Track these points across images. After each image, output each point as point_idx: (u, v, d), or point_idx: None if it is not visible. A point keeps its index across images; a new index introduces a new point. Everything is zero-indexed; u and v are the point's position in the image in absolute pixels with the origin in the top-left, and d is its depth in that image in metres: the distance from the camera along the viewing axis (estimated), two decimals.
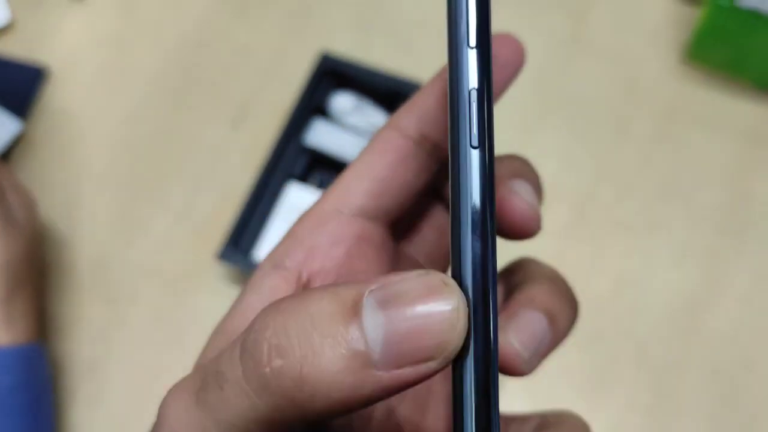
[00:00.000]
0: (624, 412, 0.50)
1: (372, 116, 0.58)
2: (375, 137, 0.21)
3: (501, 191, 0.20)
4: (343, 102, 0.58)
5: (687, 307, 0.52)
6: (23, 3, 0.68)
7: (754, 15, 0.53)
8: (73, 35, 0.67)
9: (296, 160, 0.57)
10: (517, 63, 0.21)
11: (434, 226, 0.24)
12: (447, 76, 0.17)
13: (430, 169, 0.21)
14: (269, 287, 0.20)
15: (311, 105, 0.58)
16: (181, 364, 0.53)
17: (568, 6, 0.64)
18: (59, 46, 0.66)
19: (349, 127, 0.57)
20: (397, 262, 0.22)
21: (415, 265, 0.23)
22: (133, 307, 0.55)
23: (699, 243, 0.54)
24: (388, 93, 0.57)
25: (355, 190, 0.20)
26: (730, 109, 0.58)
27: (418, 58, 0.61)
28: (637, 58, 0.61)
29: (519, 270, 0.23)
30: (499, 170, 0.21)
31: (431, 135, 0.21)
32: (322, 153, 0.56)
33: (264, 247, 0.54)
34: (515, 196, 0.20)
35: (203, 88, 0.63)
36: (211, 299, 0.55)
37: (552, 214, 0.55)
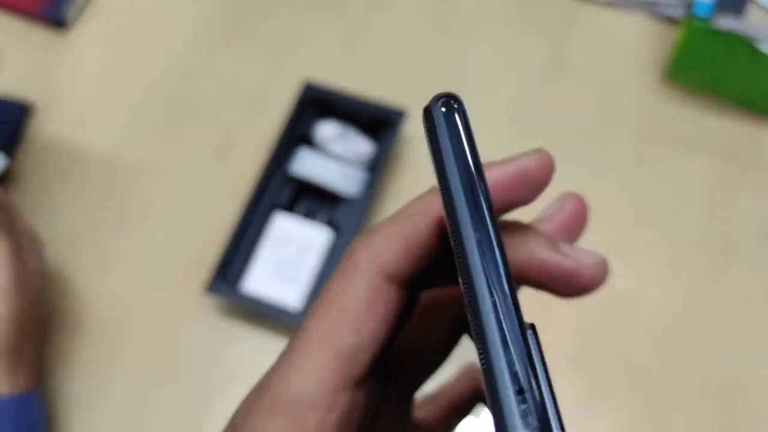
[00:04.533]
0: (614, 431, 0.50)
1: (356, 144, 0.58)
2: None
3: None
4: (327, 130, 0.58)
5: (675, 327, 0.53)
6: (8, 38, 0.68)
7: (730, 36, 0.54)
8: (58, 69, 0.67)
9: (282, 189, 0.57)
10: (545, 181, 0.20)
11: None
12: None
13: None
14: None
15: (296, 134, 0.58)
16: (170, 399, 0.53)
17: (548, 29, 0.64)
18: (45, 81, 0.66)
19: (333, 156, 0.58)
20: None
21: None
22: (121, 341, 0.55)
23: (684, 263, 0.55)
24: (372, 120, 0.58)
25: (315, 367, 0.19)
26: (710, 128, 0.59)
27: (400, 85, 0.62)
28: (616, 79, 0.62)
29: None
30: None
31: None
32: (308, 182, 0.57)
33: (251, 278, 0.54)
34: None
35: (188, 119, 0.63)
36: (200, 332, 0.55)
37: None
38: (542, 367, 0.14)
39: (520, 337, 0.14)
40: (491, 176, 0.19)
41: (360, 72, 0.63)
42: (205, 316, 0.55)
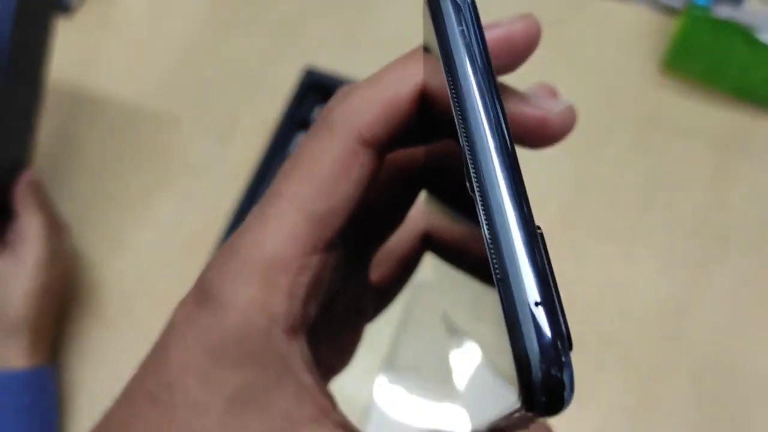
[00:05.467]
0: (609, 416, 0.51)
1: None
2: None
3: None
4: None
5: (670, 313, 0.53)
6: None
7: (729, 25, 0.54)
8: (61, 54, 0.67)
9: None
10: (530, 49, 0.20)
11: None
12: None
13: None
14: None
15: (297, 120, 0.59)
16: None
17: (547, 17, 0.64)
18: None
19: None
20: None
21: None
22: (123, 325, 0.55)
23: (680, 249, 0.55)
24: None
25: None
26: (707, 117, 0.59)
27: None
28: (616, 68, 0.62)
29: None
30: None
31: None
32: None
33: None
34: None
35: (190, 103, 0.64)
36: None
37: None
38: (552, 275, 0.14)
39: (535, 246, 0.14)
40: None
41: (361, 58, 0.64)
42: None
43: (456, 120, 0.15)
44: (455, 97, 0.15)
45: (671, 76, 0.61)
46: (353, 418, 0.51)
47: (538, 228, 0.14)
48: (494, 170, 0.15)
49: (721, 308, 0.53)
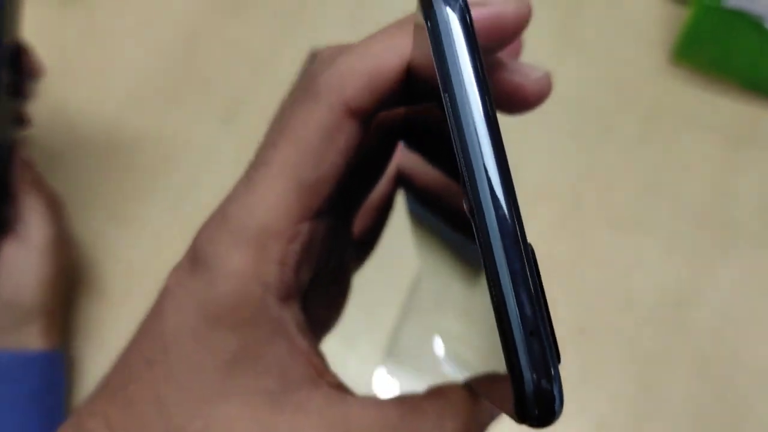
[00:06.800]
0: (610, 404, 0.51)
1: None
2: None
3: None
4: None
5: (673, 302, 0.53)
6: None
7: (739, 15, 0.54)
8: (63, 34, 0.66)
9: None
10: (518, 30, 0.19)
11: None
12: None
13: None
14: None
15: None
16: None
17: (558, 6, 0.64)
18: (50, 46, 0.65)
19: None
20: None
21: None
22: (126, 305, 0.55)
23: (685, 239, 0.55)
24: None
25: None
26: (715, 108, 0.59)
27: None
28: (625, 57, 0.62)
29: None
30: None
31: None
32: None
33: None
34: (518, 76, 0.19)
35: (194, 85, 0.63)
36: None
37: (540, 211, 0.55)
38: (543, 296, 0.15)
39: (529, 273, 0.14)
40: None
41: None
42: None
43: (448, 119, 0.15)
44: (441, 67, 0.15)
45: (681, 66, 0.61)
46: None
47: (530, 245, 0.15)
48: (486, 196, 0.15)
49: (726, 298, 0.53)
